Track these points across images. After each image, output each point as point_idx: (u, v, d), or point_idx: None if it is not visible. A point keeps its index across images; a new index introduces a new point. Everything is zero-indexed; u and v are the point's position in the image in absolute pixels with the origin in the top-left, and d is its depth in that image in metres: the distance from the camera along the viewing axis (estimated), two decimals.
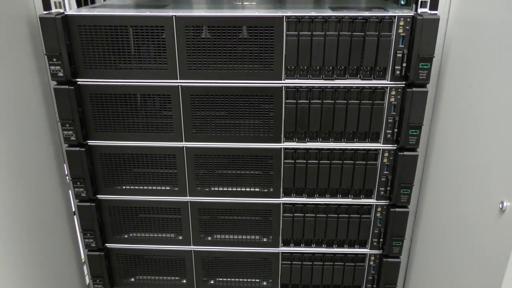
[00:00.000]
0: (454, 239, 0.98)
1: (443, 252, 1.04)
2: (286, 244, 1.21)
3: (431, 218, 1.14)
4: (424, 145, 1.15)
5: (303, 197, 1.15)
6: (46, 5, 1.03)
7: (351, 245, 1.20)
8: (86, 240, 1.19)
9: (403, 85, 1.02)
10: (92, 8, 1.07)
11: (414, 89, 1.00)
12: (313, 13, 0.96)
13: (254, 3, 1.23)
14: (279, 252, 1.21)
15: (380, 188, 1.12)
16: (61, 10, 1.03)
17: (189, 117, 1.06)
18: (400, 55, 0.99)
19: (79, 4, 1.15)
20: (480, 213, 0.85)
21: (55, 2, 1.03)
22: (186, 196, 1.15)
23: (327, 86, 1.03)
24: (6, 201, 0.99)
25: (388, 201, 1.14)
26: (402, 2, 1.15)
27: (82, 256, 1.38)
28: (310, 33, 0.98)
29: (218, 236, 1.21)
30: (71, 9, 1.06)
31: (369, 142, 1.08)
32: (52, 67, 1.00)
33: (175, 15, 0.97)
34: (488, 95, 0.84)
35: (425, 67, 0.97)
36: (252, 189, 1.14)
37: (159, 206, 1.17)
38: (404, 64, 0.99)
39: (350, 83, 1.02)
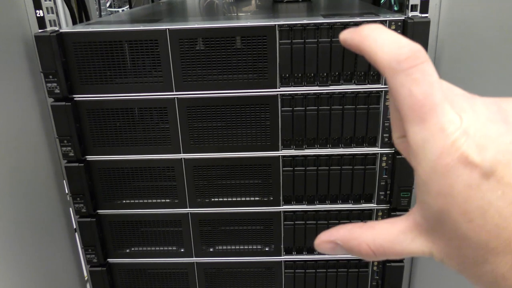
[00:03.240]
0: None
1: None
2: (288, 252, 1.20)
3: None
4: None
5: (303, 204, 1.14)
6: (41, 24, 1.05)
7: None
8: (87, 256, 1.19)
9: None
10: (87, 25, 1.08)
11: None
12: (305, 21, 0.97)
13: (248, 13, 1.24)
14: (281, 260, 1.21)
15: (380, 192, 1.12)
16: (56, 28, 1.04)
17: (186, 128, 1.07)
18: None
19: (74, 22, 1.16)
20: None
21: (50, 21, 1.05)
22: (186, 208, 1.15)
23: (322, 92, 1.03)
24: (7, 220, 1.00)
25: (388, 205, 1.13)
26: (396, 8, 1.16)
27: (85, 274, 1.38)
28: (303, 40, 0.98)
29: (220, 247, 1.21)
30: (67, 27, 1.08)
31: (367, 147, 1.08)
32: (49, 85, 1.01)
33: (168, 29, 0.98)
34: (481, 95, 0.85)
35: None
36: (252, 198, 1.14)
37: (160, 219, 1.17)
38: None
39: (344, 88, 1.03)
